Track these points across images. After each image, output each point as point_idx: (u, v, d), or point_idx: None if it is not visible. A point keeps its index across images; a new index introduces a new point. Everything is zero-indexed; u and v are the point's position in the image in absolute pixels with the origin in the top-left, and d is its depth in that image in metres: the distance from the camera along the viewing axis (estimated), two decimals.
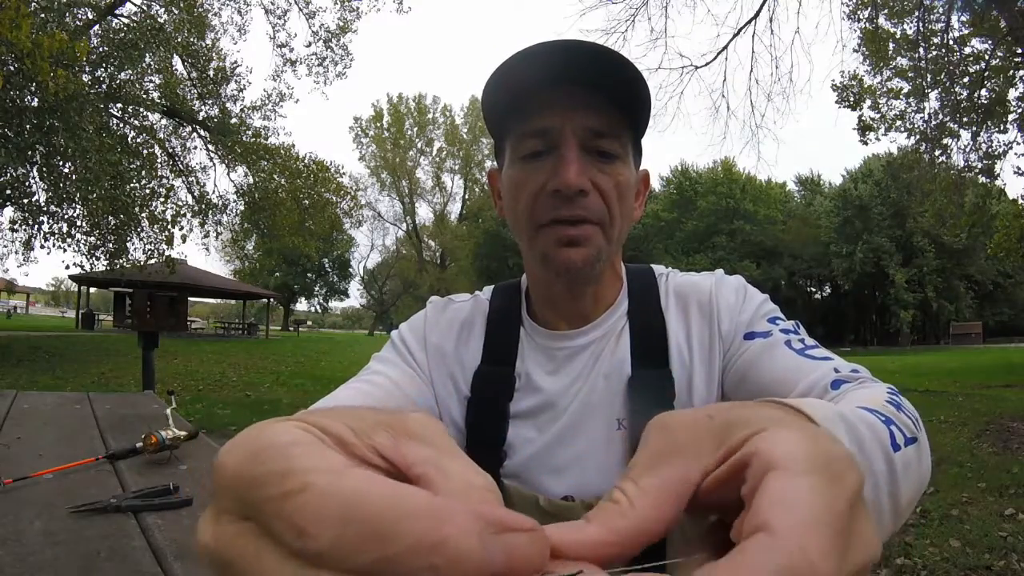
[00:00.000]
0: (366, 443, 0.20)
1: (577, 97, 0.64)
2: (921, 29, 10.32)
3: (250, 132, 13.55)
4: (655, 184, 41.14)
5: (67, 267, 11.32)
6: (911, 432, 0.43)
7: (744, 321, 0.68)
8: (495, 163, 0.79)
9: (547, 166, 0.65)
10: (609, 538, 0.20)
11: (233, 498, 0.18)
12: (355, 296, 52.45)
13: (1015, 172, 11.14)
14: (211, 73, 12.77)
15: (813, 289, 39.46)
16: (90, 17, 11.03)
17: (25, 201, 9.90)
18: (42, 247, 10.46)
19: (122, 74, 10.94)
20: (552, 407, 0.70)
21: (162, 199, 11.61)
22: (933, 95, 10.84)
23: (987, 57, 10.03)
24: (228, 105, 13.40)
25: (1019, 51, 9.71)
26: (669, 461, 0.22)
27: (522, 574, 0.17)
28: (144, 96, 11.48)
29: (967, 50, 10.26)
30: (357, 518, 0.16)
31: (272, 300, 32.39)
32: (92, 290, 29.49)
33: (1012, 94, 10.50)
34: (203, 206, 13.13)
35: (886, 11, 10.70)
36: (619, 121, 0.66)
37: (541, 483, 0.67)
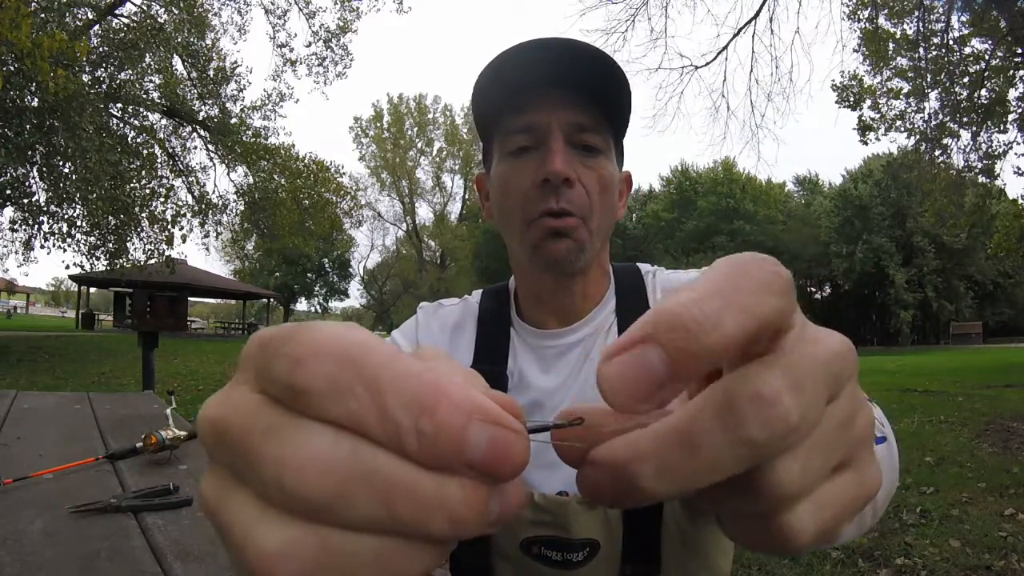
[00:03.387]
0: None
1: (563, 95, 0.67)
2: (921, 29, 10.30)
3: (250, 132, 13.54)
4: (655, 184, 41.29)
5: (67, 267, 11.31)
6: (879, 432, 0.46)
7: None
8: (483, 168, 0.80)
9: (535, 160, 0.68)
10: None
11: (251, 367, 0.18)
12: (355, 296, 52.22)
13: (1015, 172, 11.14)
14: (211, 73, 12.76)
15: (813, 289, 39.33)
16: (90, 17, 11.01)
17: (25, 201, 9.90)
18: (42, 247, 10.46)
19: (122, 74, 10.94)
20: (545, 405, 0.71)
21: (162, 199, 11.60)
22: (933, 95, 10.83)
23: (987, 57, 10.01)
24: (228, 105, 13.39)
25: (1019, 51, 9.70)
26: None
27: (498, 471, 0.17)
28: (144, 96, 11.47)
29: (967, 50, 10.24)
30: (357, 362, 0.16)
31: (272, 300, 32.39)
32: (92, 290, 29.47)
33: (1012, 94, 10.49)
34: (203, 206, 13.13)
35: (886, 11, 10.68)
36: (602, 119, 0.69)
37: (536, 479, 0.68)
